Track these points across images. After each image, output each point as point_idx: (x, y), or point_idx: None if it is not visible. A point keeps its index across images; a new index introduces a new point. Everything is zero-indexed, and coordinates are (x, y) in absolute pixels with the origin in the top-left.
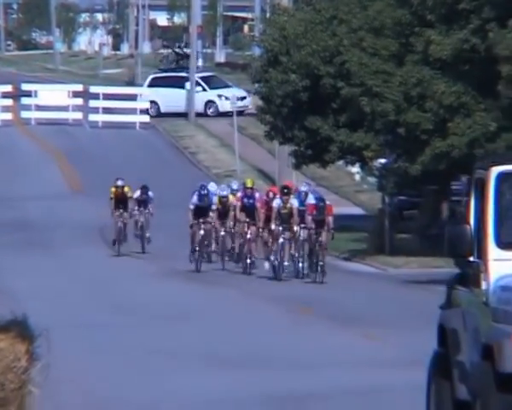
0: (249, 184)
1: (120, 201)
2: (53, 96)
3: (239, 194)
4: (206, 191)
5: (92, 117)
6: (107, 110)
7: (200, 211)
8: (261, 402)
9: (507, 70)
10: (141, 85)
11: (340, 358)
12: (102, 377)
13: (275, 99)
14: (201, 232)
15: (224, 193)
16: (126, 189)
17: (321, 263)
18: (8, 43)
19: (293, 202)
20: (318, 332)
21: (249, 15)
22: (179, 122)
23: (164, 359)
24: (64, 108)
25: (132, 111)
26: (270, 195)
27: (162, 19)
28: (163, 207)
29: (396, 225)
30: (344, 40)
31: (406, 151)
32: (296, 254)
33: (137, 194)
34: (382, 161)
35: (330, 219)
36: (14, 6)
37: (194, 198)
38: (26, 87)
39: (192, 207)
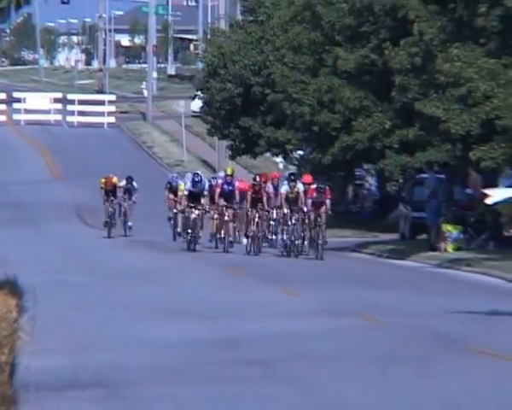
0: (229, 172)
1: (110, 190)
2: (38, 102)
3: (219, 181)
4: (199, 178)
5: (69, 118)
6: (81, 113)
7: (193, 196)
8: (204, 344)
9: (399, 80)
10: (108, 93)
11: (265, 309)
12: (79, 325)
13: (215, 103)
14: (193, 216)
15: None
16: (115, 179)
17: (320, 241)
18: (2, 60)
19: (300, 187)
20: (249, 288)
21: (194, 37)
22: (139, 122)
23: (128, 311)
24: (47, 112)
25: (101, 114)
26: (274, 181)
27: (125, 40)
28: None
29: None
30: (269, 56)
31: (319, 145)
32: (302, 234)
33: (123, 183)
34: (300, 152)
35: (328, 201)
36: (7, 30)
37: (188, 184)
38: (16, 95)
39: (186, 192)
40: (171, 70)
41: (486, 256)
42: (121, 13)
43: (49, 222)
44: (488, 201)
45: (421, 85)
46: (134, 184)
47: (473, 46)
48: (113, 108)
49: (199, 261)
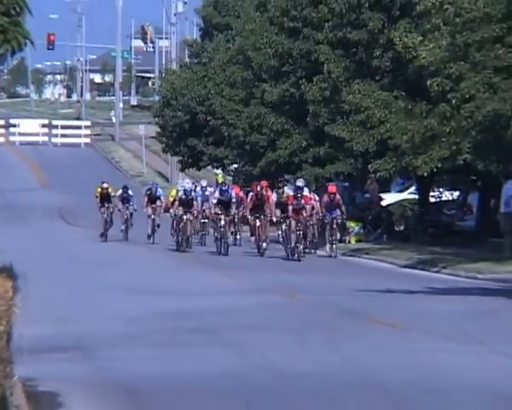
0: (220, 180)
1: (105, 199)
2: (29, 127)
3: (215, 193)
4: (226, 187)
5: (54, 140)
6: (63, 135)
7: (222, 204)
8: (159, 316)
9: (312, 108)
10: (84, 120)
11: (208, 288)
12: (62, 302)
13: (168, 127)
14: (222, 222)
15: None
16: (110, 189)
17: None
18: (1, 94)
19: (289, 193)
20: (197, 273)
21: (151, 75)
22: (108, 143)
23: (101, 291)
24: (36, 134)
25: (79, 136)
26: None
27: (97, 78)
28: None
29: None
30: (211, 90)
31: (250, 160)
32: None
33: (119, 192)
34: (235, 165)
35: (308, 207)
36: (5, 71)
37: (216, 194)
38: (12, 121)
39: (215, 201)
40: (134, 101)
41: (381, 246)
42: (94, 56)
43: (38, 221)
44: (383, 203)
45: (330, 113)
46: (129, 192)
47: (370, 82)
48: (88, 132)
49: (158, 252)
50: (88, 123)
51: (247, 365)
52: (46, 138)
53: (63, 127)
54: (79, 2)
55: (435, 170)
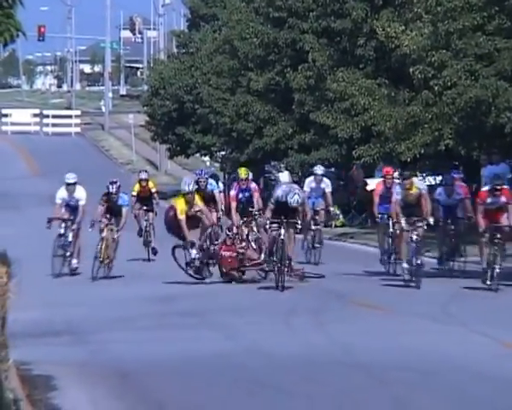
0: (243, 175)
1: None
2: (21, 117)
3: (233, 192)
4: (245, 185)
5: (45, 129)
6: (54, 125)
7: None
8: (148, 300)
9: (298, 96)
10: (75, 109)
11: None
12: (54, 287)
13: (156, 116)
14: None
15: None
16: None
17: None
18: None
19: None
20: None
21: (140, 65)
22: (98, 131)
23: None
24: (28, 124)
25: (69, 125)
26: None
27: (87, 68)
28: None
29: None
30: (198, 80)
31: (237, 147)
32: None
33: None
34: (223, 152)
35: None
36: None
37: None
38: (4, 111)
39: (234, 204)
40: (123, 91)
41: (366, 231)
42: (84, 47)
43: (30, 208)
44: (368, 188)
45: (315, 100)
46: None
47: (354, 70)
48: (78, 121)
49: None
50: (78, 112)
51: (236, 347)
52: (37, 128)
53: (54, 117)
54: None
55: (418, 156)
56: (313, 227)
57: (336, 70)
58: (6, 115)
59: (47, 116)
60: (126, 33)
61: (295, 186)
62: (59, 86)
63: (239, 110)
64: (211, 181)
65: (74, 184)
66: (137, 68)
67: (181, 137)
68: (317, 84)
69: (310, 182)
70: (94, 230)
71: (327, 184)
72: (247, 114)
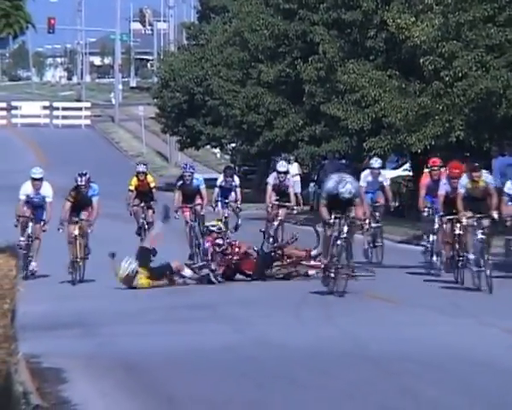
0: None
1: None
2: (31, 109)
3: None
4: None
5: (55, 121)
6: (64, 117)
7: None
8: (158, 292)
9: (308, 88)
10: (85, 101)
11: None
12: (63, 280)
13: (166, 108)
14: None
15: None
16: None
17: None
18: (3, 77)
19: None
20: None
21: (150, 57)
22: (108, 124)
23: (101, 268)
24: (38, 116)
25: (79, 117)
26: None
27: (97, 60)
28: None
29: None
30: (208, 71)
31: (248, 139)
32: None
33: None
34: (233, 145)
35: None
36: (7, 54)
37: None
38: (14, 104)
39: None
40: (133, 83)
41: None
42: (94, 39)
43: None
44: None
45: (325, 92)
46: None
47: (364, 62)
48: (88, 113)
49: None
50: (88, 105)
51: (246, 339)
52: (47, 120)
53: (64, 109)
54: None
55: (428, 147)
56: (373, 224)
57: (347, 62)
58: (16, 108)
59: (57, 108)
60: (136, 25)
61: (346, 175)
62: (69, 78)
63: (249, 102)
64: (197, 176)
65: (41, 179)
66: (147, 60)
67: (191, 129)
68: (327, 76)
69: (366, 176)
70: (63, 230)
71: (385, 178)
72: (257, 106)
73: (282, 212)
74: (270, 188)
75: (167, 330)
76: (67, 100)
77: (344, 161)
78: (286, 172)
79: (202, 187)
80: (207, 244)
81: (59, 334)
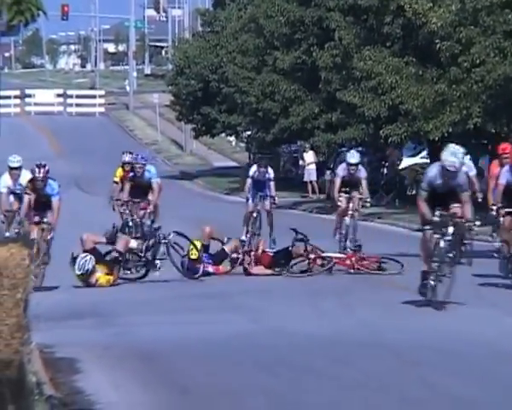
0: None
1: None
2: (44, 97)
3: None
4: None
5: (69, 109)
6: (78, 105)
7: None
8: (173, 282)
9: (324, 75)
10: (99, 89)
11: None
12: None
13: (181, 96)
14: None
15: None
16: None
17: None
18: (17, 64)
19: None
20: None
21: (165, 44)
22: (123, 111)
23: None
24: (51, 104)
25: (93, 105)
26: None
27: (111, 47)
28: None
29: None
30: (223, 58)
31: (263, 126)
32: None
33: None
34: (248, 132)
35: None
36: (20, 41)
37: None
38: (28, 91)
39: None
40: (148, 70)
41: (393, 211)
42: (108, 26)
43: None
44: (399, 166)
45: (342, 79)
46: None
47: (381, 48)
48: (102, 101)
49: None
50: (102, 92)
51: (261, 328)
52: (61, 108)
53: (78, 97)
54: None
55: (446, 134)
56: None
57: (363, 48)
58: (29, 96)
59: (71, 96)
60: (151, 12)
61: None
62: (83, 66)
63: (265, 89)
64: (149, 168)
65: (19, 168)
66: (162, 47)
67: (206, 116)
68: (343, 63)
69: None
70: (21, 229)
71: (470, 167)
72: (273, 94)
73: (352, 205)
74: (338, 180)
75: (182, 319)
76: (81, 88)
77: (360, 149)
78: (357, 164)
79: (154, 180)
80: (211, 269)
81: (73, 324)
